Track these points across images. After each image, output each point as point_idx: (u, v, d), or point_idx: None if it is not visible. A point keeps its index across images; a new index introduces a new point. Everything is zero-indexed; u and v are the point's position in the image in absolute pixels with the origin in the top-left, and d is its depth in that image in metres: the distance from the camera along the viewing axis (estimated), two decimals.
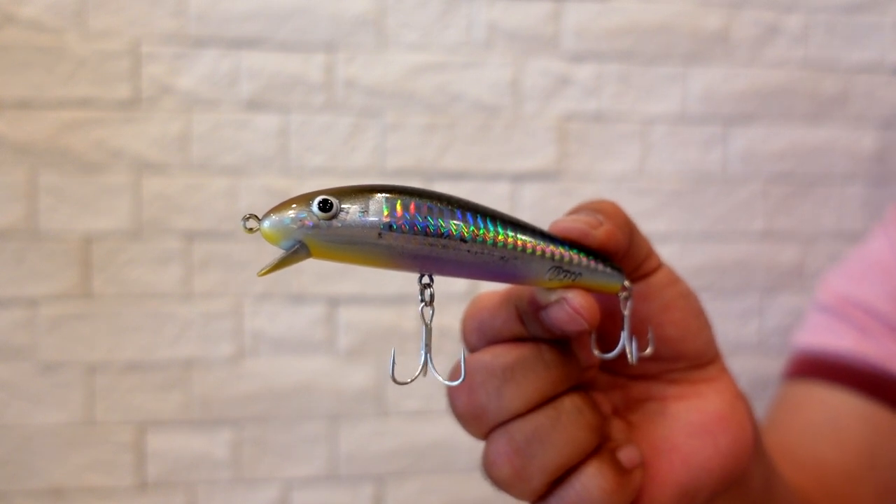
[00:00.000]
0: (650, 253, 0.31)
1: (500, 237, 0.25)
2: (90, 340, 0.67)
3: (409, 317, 0.71)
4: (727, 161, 0.76)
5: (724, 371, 0.33)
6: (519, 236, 0.26)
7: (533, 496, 0.29)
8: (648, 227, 0.75)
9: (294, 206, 0.23)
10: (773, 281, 0.77)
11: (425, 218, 0.24)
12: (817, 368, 0.55)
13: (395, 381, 0.27)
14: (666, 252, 0.76)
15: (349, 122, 0.70)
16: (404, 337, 0.71)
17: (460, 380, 0.28)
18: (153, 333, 0.68)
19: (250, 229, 0.23)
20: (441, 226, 0.24)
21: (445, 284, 0.71)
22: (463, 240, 0.25)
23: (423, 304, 0.26)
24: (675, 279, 0.32)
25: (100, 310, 0.68)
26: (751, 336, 0.77)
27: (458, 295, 0.71)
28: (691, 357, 0.32)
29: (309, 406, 0.71)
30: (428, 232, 0.24)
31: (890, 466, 0.51)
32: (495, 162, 0.72)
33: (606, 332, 0.32)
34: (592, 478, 0.28)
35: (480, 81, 0.72)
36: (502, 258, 0.26)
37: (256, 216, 0.23)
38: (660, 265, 0.32)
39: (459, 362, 0.29)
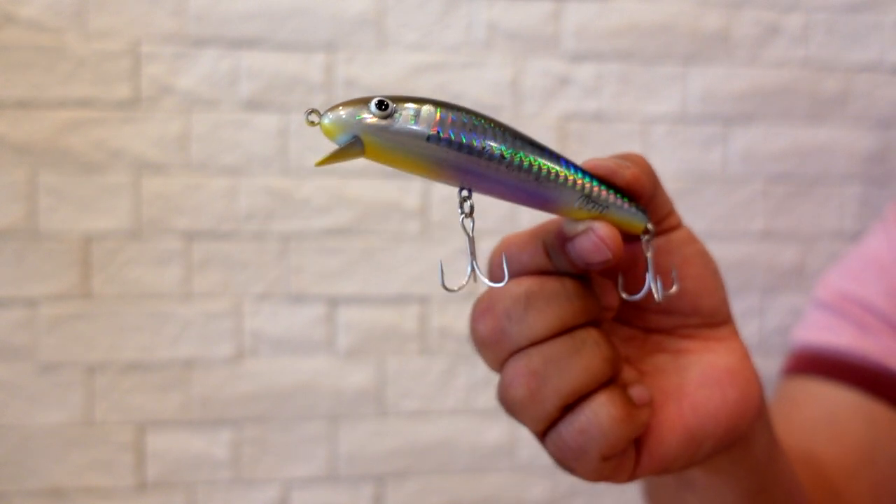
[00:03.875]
0: (672, 211, 0.33)
1: (536, 161, 0.27)
2: (90, 340, 0.67)
3: (409, 317, 0.71)
4: (727, 161, 0.76)
5: (735, 334, 0.34)
6: (554, 163, 0.28)
7: (544, 421, 0.30)
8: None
9: (354, 104, 0.25)
10: (773, 281, 0.77)
11: (470, 133, 0.26)
12: (816, 365, 0.55)
13: (445, 287, 0.28)
14: None
15: None
16: (404, 337, 0.71)
17: (504, 281, 0.29)
18: (153, 333, 0.68)
19: (312, 122, 0.25)
20: (483, 143, 0.26)
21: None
22: (503, 157, 0.26)
23: (464, 215, 0.27)
24: (694, 238, 0.33)
25: (100, 310, 0.68)
26: (751, 336, 0.77)
27: (458, 295, 0.71)
28: (706, 313, 0.33)
29: (309, 406, 0.71)
30: (472, 146, 0.26)
31: (888, 462, 0.51)
32: None
33: (629, 276, 0.33)
34: (603, 405, 0.29)
35: (480, 81, 0.72)
36: (537, 180, 0.27)
37: (318, 111, 0.25)
38: (680, 224, 0.33)
39: (500, 260, 0.30)
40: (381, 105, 0.25)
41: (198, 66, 0.68)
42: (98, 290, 0.67)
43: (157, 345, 0.68)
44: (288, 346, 0.70)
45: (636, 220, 0.31)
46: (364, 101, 0.25)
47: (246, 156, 0.69)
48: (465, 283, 0.28)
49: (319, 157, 0.25)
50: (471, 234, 0.27)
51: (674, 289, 0.32)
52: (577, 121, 0.74)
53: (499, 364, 0.31)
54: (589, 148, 0.74)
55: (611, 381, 0.30)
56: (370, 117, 0.25)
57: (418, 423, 0.72)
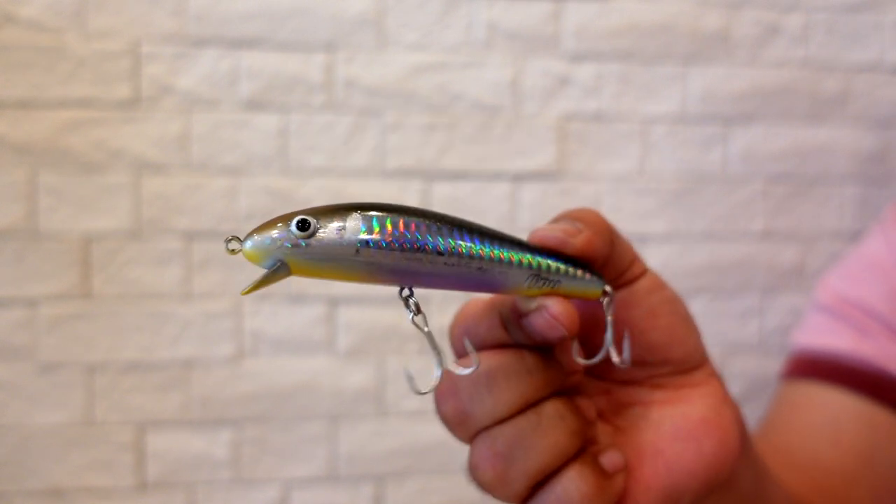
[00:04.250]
0: (634, 259, 0.31)
1: (476, 249, 0.26)
2: (90, 340, 0.67)
3: (408, 317, 0.71)
4: (727, 161, 0.76)
5: (711, 376, 0.33)
6: (495, 248, 0.27)
7: (516, 499, 0.29)
8: (648, 227, 0.75)
9: (274, 226, 0.24)
10: (773, 281, 0.77)
11: (402, 234, 0.25)
12: (816, 369, 0.55)
13: (418, 392, 0.28)
14: (666, 252, 0.76)
15: (349, 121, 0.70)
16: (404, 337, 0.71)
17: (474, 367, 0.28)
18: (153, 333, 0.68)
19: (232, 251, 0.24)
20: (417, 240, 0.25)
21: None
22: (440, 253, 0.25)
23: (412, 314, 0.27)
24: (660, 285, 0.32)
25: (100, 310, 0.68)
26: (751, 336, 0.77)
27: (457, 295, 0.71)
28: (677, 362, 0.32)
29: (309, 406, 0.71)
30: (405, 247, 0.25)
31: (888, 467, 0.51)
32: (495, 162, 0.72)
33: (589, 338, 0.32)
34: (573, 481, 0.29)
35: (480, 81, 0.72)
36: (480, 269, 0.26)
37: (238, 238, 0.24)
38: (644, 271, 0.32)
39: (460, 333, 0.30)
40: (302, 225, 0.24)
41: (198, 66, 0.68)
42: (98, 290, 0.67)
43: (157, 345, 0.68)
44: (288, 346, 0.70)
45: (592, 288, 0.29)
46: (286, 220, 0.24)
47: (246, 156, 0.69)
48: (433, 384, 0.27)
49: (246, 287, 0.24)
50: (426, 329, 0.27)
51: (625, 361, 0.31)
52: (577, 121, 0.74)
53: (468, 441, 0.30)
54: (589, 148, 0.74)
55: (581, 451, 0.29)
56: (292, 240, 0.24)
57: (418, 423, 0.72)
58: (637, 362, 0.32)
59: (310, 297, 0.70)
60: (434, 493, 0.72)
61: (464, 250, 0.26)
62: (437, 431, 0.72)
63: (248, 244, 0.24)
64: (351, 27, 0.70)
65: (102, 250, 0.67)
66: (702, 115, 0.76)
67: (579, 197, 0.73)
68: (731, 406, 0.33)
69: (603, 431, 0.33)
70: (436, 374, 0.27)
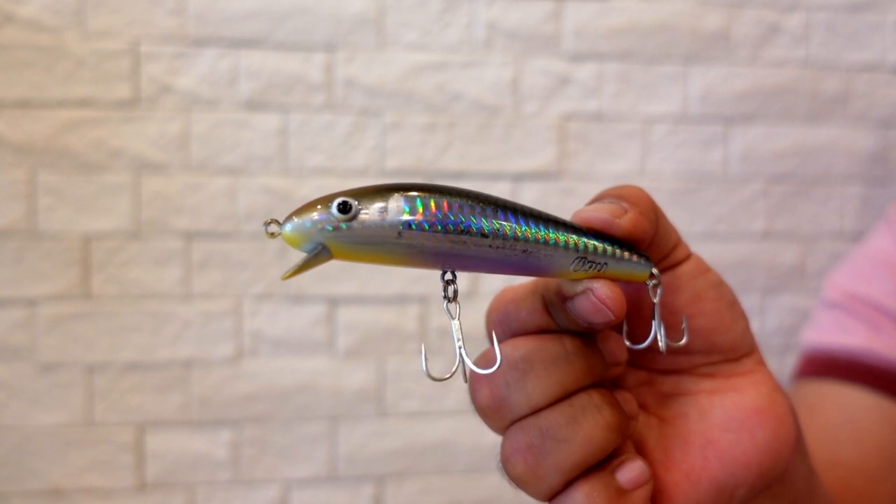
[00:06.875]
0: (678, 242, 0.31)
1: (521, 231, 0.25)
2: (89, 341, 0.67)
3: (409, 317, 0.71)
4: (728, 161, 0.76)
5: (761, 364, 0.32)
6: (541, 229, 0.26)
7: (549, 494, 0.28)
8: None
9: (314, 208, 0.23)
10: (773, 281, 0.77)
11: (445, 215, 0.24)
12: (830, 367, 0.54)
13: (430, 377, 0.26)
14: None
15: (349, 121, 0.70)
16: (404, 337, 0.71)
17: (496, 366, 0.27)
18: (152, 333, 0.68)
19: (272, 234, 0.23)
20: (461, 222, 0.24)
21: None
22: (484, 235, 0.24)
23: (447, 300, 0.26)
24: (705, 269, 0.31)
25: (99, 310, 0.67)
26: None
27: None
28: (725, 350, 0.31)
29: (309, 406, 0.70)
30: (448, 229, 0.24)
31: None
32: (495, 162, 0.72)
33: (636, 324, 0.31)
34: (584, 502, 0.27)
35: (480, 81, 0.72)
36: (525, 251, 0.25)
37: (277, 220, 0.23)
38: (689, 255, 0.31)
39: (491, 349, 0.28)
40: (344, 207, 0.23)
41: (197, 66, 0.68)
42: (97, 290, 0.67)
43: (157, 345, 0.68)
44: (288, 346, 0.70)
45: (639, 270, 0.29)
46: (326, 202, 0.23)
47: (245, 155, 0.69)
48: (451, 373, 0.26)
49: (288, 271, 0.24)
50: (456, 319, 0.25)
51: (683, 340, 0.30)
52: (577, 121, 0.73)
53: (501, 431, 0.29)
54: (589, 148, 0.74)
55: (610, 456, 0.28)
56: (333, 223, 0.23)
57: (418, 423, 0.72)
58: (682, 350, 0.31)
59: (310, 297, 0.70)
60: (434, 494, 0.72)
61: (509, 232, 0.25)
62: (436, 432, 0.72)
63: (288, 227, 0.23)
64: (350, 27, 0.70)
65: (102, 250, 0.67)
66: (702, 115, 0.76)
67: (579, 196, 0.73)
68: (783, 395, 0.32)
69: (647, 424, 0.32)
70: (456, 365, 0.26)
